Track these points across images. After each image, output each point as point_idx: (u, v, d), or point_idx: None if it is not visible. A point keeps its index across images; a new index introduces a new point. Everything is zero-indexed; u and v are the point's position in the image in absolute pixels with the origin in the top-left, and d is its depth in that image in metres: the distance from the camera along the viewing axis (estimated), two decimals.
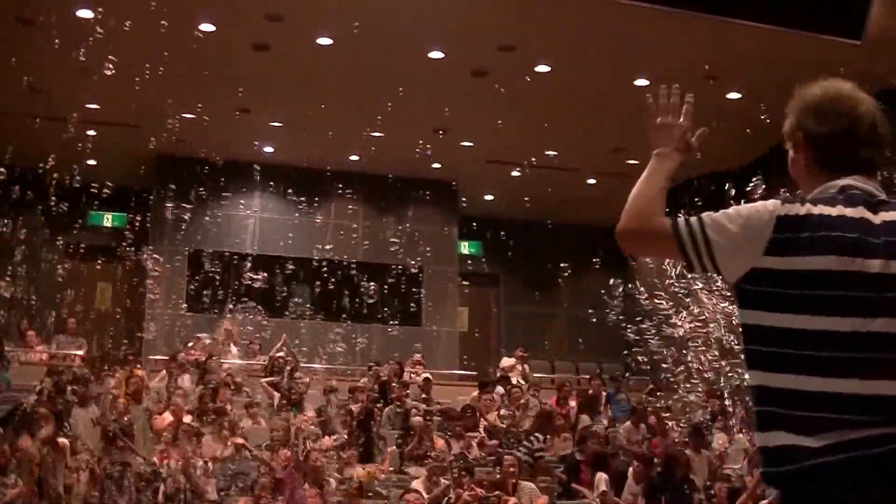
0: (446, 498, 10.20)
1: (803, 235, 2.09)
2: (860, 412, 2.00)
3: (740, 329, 2.17)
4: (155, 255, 15.04)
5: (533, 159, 16.34)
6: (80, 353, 13.84)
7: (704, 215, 2.19)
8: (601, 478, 10.95)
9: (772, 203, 2.16)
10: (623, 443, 12.39)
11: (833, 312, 2.05)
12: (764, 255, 2.10)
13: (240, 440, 10.71)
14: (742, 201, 2.41)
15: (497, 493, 10.26)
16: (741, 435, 11.85)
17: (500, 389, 14.42)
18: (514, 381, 15.23)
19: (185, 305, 16.90)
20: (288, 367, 12.93)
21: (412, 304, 17.87)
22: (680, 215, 2.23)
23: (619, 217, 2.32)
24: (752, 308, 2.13)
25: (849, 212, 2.13)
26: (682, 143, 2.42)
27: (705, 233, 2.16)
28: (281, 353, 13.39)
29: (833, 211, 2.13)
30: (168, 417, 11.22)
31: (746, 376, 2.10)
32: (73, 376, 11.56)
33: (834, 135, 2.24)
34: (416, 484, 10.31)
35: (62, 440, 9.38)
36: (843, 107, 2.26)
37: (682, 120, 2.44)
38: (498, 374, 15.97)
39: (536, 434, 12.59)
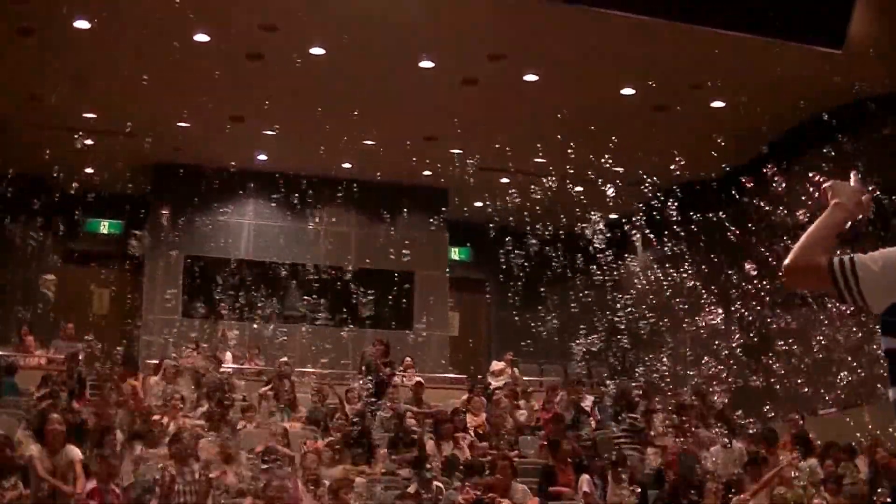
0: (440, 500, 10.34)
1: None
2: None
3: (883, 353, 2.53)
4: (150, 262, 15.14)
5: (522, 166, 16.56)
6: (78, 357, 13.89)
7: (856, 256, 2.54)
8: (584, 479, 10.96)
9: None
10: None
11: None
12: None
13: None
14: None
15: (491, 494, 10.36)
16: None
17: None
18: (501, 384, 15.40)
19: (180, 311, 17.04)
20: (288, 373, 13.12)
21: (403, 309, 18.06)
22: (836, 256, 2.57)
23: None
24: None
25: None
26: (857, 198, 2.78)
27: (854, 271, 2.50)
28: (284, 359, 13.59)
29: None
30: (164, 420, 11.32)
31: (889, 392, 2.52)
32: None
33: None
34: (410, 488, 10.45)
35: (75, 451, 9.20)
36: None
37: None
38: (487, 378, 16.12)
39: (634, 415, 12.37)
